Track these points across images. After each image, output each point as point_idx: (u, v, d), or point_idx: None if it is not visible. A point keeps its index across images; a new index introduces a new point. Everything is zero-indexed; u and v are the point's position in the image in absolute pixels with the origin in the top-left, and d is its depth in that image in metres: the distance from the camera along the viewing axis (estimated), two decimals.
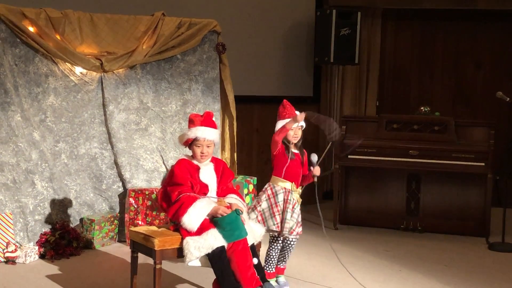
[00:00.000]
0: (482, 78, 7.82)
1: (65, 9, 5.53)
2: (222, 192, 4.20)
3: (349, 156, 6.27)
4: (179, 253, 3.97)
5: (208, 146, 4.13)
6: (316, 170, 4.46)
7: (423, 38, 7.91)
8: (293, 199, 4.43)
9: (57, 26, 5.44)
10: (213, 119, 4.24)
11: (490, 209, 6.10)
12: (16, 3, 5.34)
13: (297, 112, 4.46)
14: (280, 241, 4.52)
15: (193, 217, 3.92)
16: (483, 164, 5.99)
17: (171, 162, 5.95)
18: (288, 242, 4.51)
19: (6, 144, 5.21)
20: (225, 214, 3.98)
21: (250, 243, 4.04)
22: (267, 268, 4.53)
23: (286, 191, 4.43)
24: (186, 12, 6.22)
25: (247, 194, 5.91)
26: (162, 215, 5.55)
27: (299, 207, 4.49)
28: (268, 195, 4.46)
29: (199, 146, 4.12)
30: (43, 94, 5.46)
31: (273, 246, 4.53)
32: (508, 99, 5.79)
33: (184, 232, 3.96)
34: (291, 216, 4.41)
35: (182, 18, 5.97)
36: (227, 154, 6.27)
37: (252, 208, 4.48)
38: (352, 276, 4.68)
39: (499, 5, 7.47)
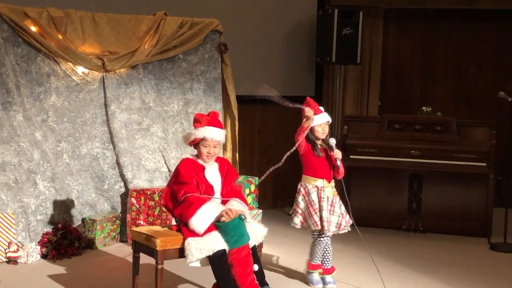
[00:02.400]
0: (484, 78, 7.81)
1: (67, 8, 5.53)
2: (226, 193, 4.18)
3: (351, 156, 6.28)
4: (181, 254, 3.97)
5: (215, 147, 4.13)
6: (337, 153, 4.51)
7: (425, 38, 7.90)
8: (327, 196, 4.48)
9: (59, 26, 5.44)
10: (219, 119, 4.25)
11: (492, 210, 6.09)
12: (18, 2, 5.34)
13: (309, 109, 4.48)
14: (323, 237, 4.55)
15: (201, 220, 3.90)
16: (485, 164, 5.99)
17: (173, 162, 5.95)
18: (318, 239, 4.56)
19: (8, 144, 5.21)
20: (230, 214, 3.96)
21: (251, 244, 4.04)
22: (312, 260, 4.60)
23: (319, 189, 4.48)
24: (188, 12, 6.21)
25: (248, 194, 5.90)
26: (164, 215, 5.55)
27: (338, 199, 4.54)
28: (303, 195, 4.52)
29: (206, 146, 4.11)
30: (45, 93, 5.45)
31: (316, 242, 4.58)
32: (510, 99, 5.78)
33: (186, 233, 3.95)
34: (333, 212, 4.47)
35: (184, 18, 5.97)
36: (228, 154, 6.26)
37: (294, 213, 4.54)
38: (379, 274, 4.67)
39: (502, 5, 7.45)
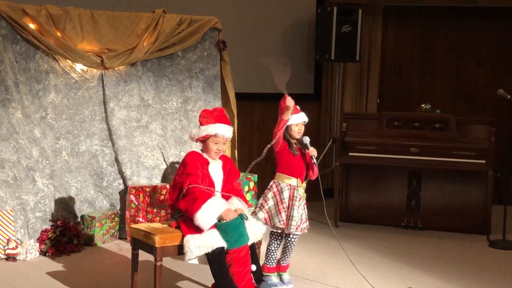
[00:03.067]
0: (483, 76, 7.82)
1: (65, 6, 5.53)
2: (226, 191, 4.18)
3: (350, 154, 6.28)
4: (180, 250, 3.97)
5: (224, 143, 4.15)
6: (312, 151, 4.48)
7: (424, 35, 7.91)
8: (299, 195, 4.44)
9: (58, 23, 5.44)
10: None
11: (491, 207, 6.09)
12: None
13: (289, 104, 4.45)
14: (281, 237, 4.54)
15: (206, 215, 3.88)
16: (484, 161, 5.99)
17: (172, 159, 5.95)
18: (289, 238, 4.52)
19: (7, 141, 5.21)
20: (230, 216, 3.94)
21: (250, 242, 4.04)
22: (268, 263, 4.54)
23: (292, 188, 4.44)
24: (186, 9, 6.22)
25: (247, 191, 5.91)
26: (163, 212, 5.55)
27: (304, 202, 4.50)
28: (274, 193, 4.47)
29: (216, 143, 4.11)
30: (43, 91, 5.45)
31: (273, 241, 4.54)
32: (509, 96, 5.78)
33: (185, 230, 3.95)
34: (297, 212, 4.42)
35: (182, 15, 5.97)
36: (227, 151, 6.26)
37: (260, 207, 4.48)
38: (360, 273, 4.68)
39: (500, 2, 7.46)
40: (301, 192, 4.46)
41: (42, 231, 5.28)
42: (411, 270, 5.00)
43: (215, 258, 3.89)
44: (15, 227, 5.16)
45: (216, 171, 4.16)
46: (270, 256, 4.56)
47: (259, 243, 4.27)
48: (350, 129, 6.45)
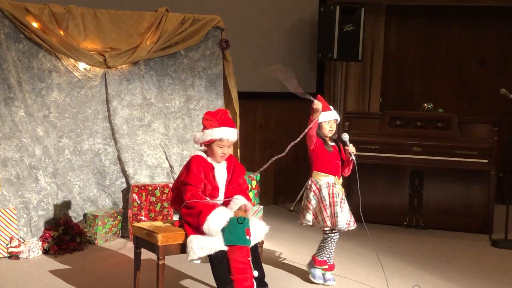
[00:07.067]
0: (486, 75, 7.81)
1: (68, 4, 5.54)
2: (230, 190, 4.15)
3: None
4: (182, 249, 3.97)
5: (229, 147, 4.11)
6: (351, 148, 4.52)
7: (427, 35, 7.90)
8: (337, 192, 4.48)
9: (61, 22, 5.45)
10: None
11: (493, 206, 6.09)
12: None
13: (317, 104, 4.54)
14: (335, 234, 4.55)
15: (213, 227, 3.88)
16: (486, 161, 6.00)
17: (174, 158, 5.96)
18: (332, 235, 4.56)
19: (10, 139, 5.22)
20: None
21: (253, 243, 4.02)
22: (319, 256, 4.59)
23: (330, 185, 4.48)
24: (189, 8, 6.22)
25: (250, 190, 5.91)
26: (165, 211, 5.56)
27: (344, 197, 4.55)
28: (314, 191, 4.51)
29: (221, 147, 4.06)
30: (46, 89, 5.46)
31: (328, 240, 4.56)
32: (511, 96, 5.78)
33: (189, 229, 3.95)
34: (343, 209, 4.47)
35: (185, 14, 5.97)
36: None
37: (306, 210, 4.52)
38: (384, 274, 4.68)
39: (503, 2, 7.45)
40: (338, 189, 4.50)
41: (44, 229, 5.29)
42: (413, 269, 5.01)
43: (217, 261, 3.89)
44: (18, 226, 5.17)
45: (221, 174, 4.12)
46: (325, 252, 4.58)
47: (262, 242, 4.27)
48: (353, 128, 6.45)
